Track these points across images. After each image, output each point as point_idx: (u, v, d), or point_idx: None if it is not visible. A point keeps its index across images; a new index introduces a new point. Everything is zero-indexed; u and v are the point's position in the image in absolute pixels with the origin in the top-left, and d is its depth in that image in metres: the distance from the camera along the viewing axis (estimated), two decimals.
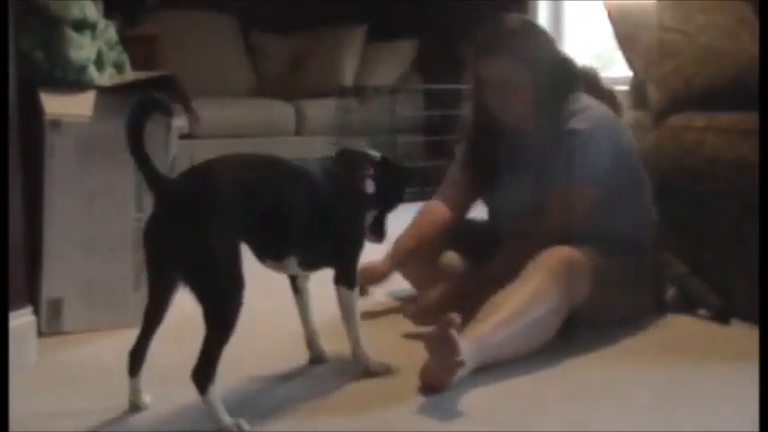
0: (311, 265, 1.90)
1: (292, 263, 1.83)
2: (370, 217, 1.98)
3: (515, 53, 2.22)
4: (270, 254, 1.80)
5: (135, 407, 1.73)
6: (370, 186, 1.93)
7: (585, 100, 2.28)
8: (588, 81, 2.36)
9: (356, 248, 1.92)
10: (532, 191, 2.27)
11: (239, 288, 1.61)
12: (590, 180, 2.20)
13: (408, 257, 2.41)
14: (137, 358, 1.71)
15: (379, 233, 2.01)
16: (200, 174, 1.66)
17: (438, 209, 2.48)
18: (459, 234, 2.48)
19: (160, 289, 1.67)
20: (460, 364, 1.81)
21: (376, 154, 1.99)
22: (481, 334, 1.92)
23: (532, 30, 2.33)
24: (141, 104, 1.61)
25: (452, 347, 1.79)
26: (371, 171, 1.94)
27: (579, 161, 2.20)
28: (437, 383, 1.84)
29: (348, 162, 1.95)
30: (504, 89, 2.25)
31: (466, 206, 2.52)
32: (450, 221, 2.46)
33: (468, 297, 2.07)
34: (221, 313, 1.59)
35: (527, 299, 2.00)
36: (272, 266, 1.86)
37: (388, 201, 1.99)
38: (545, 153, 2.25)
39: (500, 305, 1.99)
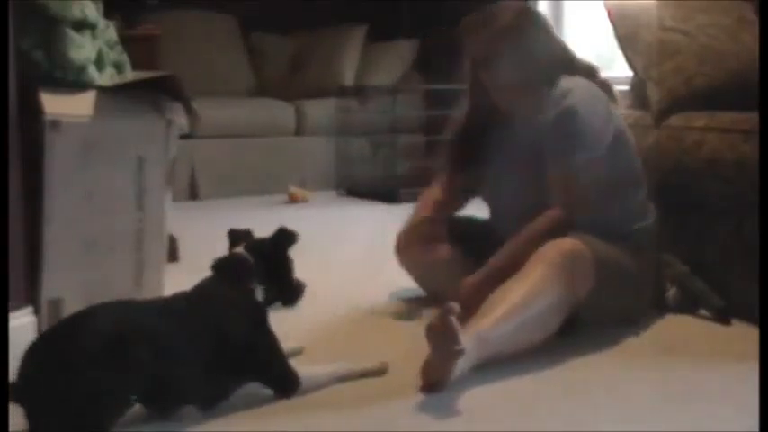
0: (219, 397, 1.72)
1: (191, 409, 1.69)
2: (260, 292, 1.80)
3: (507, 38, 2.20)
4: (163, 410, 1.66)
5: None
6: (258, 292, 1.79)
7: (571, 81, 2.24)
8: (587, 71, 2.32)
9: (274, 351, 1.78)
10: (534, 183, 2.23)
11: None
12: (589, 151, 2.17)
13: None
14: None
15: (290, 296, 1.88)
16: (80, 326, 1.55)
17: (434, 192, 2.48)
18: (461, 234, 2.46)
19: None
20: (460, 352, 1.79)
21: (242, 251, 1.79)
22: (482, 329, 1.91)
23: (527, 16, 2.27)
24: None
25: (453, 335, 1.78)
26: (255, 275, 1.78)
27: (576, 135, 2.17)
28: (438, 376, 1.83)
29: (227, 275, 1.78)
30: (498, 71, 2.23)
31: (456, 207, 2.51)
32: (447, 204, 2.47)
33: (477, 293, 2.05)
34: None
35: (528, 293, 1.99)
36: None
37: (278, 271, 1.83)
38: (539, 142, 2.21)
39: (501, 300, 1.98)
